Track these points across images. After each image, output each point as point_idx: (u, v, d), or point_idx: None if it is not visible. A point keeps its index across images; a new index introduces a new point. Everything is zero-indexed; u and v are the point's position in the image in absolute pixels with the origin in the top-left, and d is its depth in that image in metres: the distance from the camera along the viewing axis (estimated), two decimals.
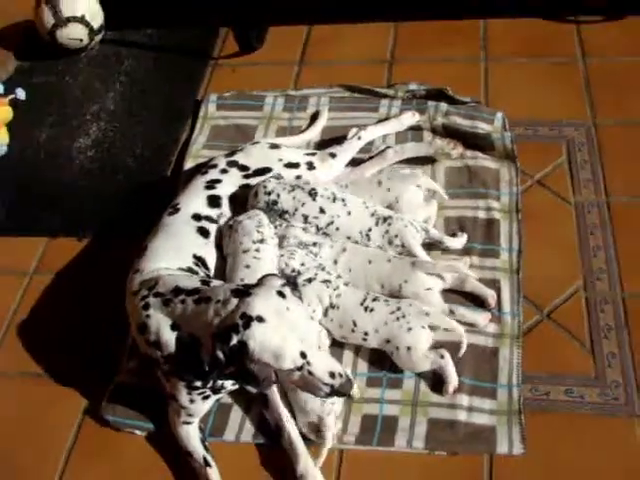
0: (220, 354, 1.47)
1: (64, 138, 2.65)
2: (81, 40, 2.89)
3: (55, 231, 2.34)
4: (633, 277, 1.95)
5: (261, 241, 1.88)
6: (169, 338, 1.63)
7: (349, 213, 2.01)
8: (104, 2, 2.95)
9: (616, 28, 2.64)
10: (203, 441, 1.75)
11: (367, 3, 2.91)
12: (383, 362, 1.85)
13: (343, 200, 2.02)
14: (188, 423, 1.75)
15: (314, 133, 2.44)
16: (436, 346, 1.81)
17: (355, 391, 1.78)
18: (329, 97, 2.58)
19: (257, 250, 1.89)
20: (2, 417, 1.94)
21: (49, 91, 2.86)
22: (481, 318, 1.89)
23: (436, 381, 1.80)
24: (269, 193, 2.02)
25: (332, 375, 1.50)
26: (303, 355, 1.47)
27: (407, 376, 1.83)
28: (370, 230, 1.99)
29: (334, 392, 1.51)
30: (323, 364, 1.50)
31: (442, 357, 1.79)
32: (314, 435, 1.72)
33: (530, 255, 2.03)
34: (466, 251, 2.05)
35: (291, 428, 1.72)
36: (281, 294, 1.51)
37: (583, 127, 2.34)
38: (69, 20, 2.82)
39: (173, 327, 1.63)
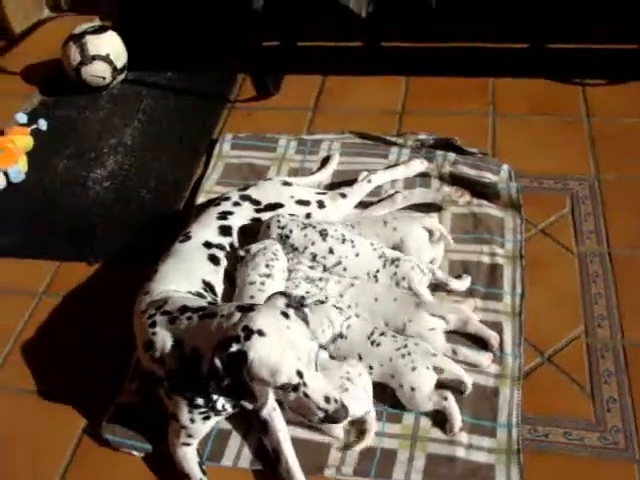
0: (218, 362, 1.49)
1: (81, 169, 2.73)
2: (104, 78, 3.00)
3: (66, 256, 2.38)
4: (633, 325, 1.98)
5: (268, 276, 1.92)
6: (173, 354, 1.65)
7: (357, 255, 2.05)
8: (129, 44, 3.08)
9: (620, 91, 2.74)
10: (201, 464, 1.75)
11: (380, 57, 3.04)
12: (384, 396, 1.85)
13: (352, 241, 2.07)
14: (187, 444, 1.75)
15: (325, 176, 2.51)
16: (439, 385, 1.83)
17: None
18: (340, 142, 2.66)
19: (262, 283, 1.92)
20: (0, 433, 1.94)
21: (70, 124, 2.95)
22: (484, 359, 1.91)
23: (437, 417, 1.81)
24: (282, 227, 2.06)
25: (327, 400, 1.51)
26: (300, 374, 1.49)
27: (407, 411, 1.83)
28: (378, 272, 2.03)
29: (327, 418, 1.52)
30: (319, 387, 1.51)
31: (445, 399, 1.79)
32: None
33: (533, 300, 2.07)
34: (470, 293, 2.09)
35: (289, 454, 1.72)
36: (284, 314, 1.54)
37: (587, 181, 2.40)
38: (94, 58, 2.94)
39: (177, 343, 1.66)
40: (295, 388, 1.51)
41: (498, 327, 1.99)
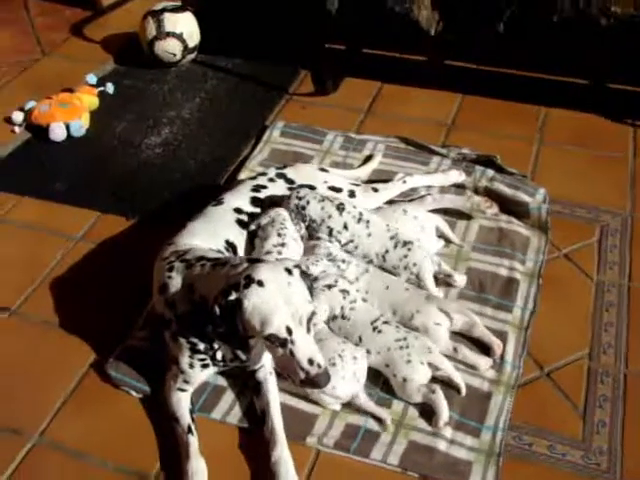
0: (217, 308, 1.57)
1: (137, 133, 2.88)
2: (175, 54, 3.16)
3: (107, 208, 2.52)
4: (639, 358, 1.97)
5: (282, 245, 2.00)
6: (184, 298, 1.74)
7: (369, 235, 2.12)
8: (204, 28, 3.24)
9: None
10: (191, 411, 1.82)
11: (440, 72, 3.12)
12: (378, 381, 1.90)
13: (367, 222, 2.14)
14: (182, 390, 1.83)
15: (364, 172, 2.58)
16: (435, 381, 1.86)
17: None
18: (385, 145, 2.73)
19: (279, 252, 2.00)
20: (15, 354, 2.06)
21: (135, 92, 3.12)
22: (482, 362, 1.93)
23: (425, 409, 1.84)
24: (300, 198, 2.14)
25: (311, 362, 1.56)
26: (289, 331, 1.56)
27: (398, 398, 1.87)
28: (387, 252, 2.09)
29: (308, 380, 1.57)
30: (306, 348, 1.57)
31: (433, 392, 1.83)
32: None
33: (543, 317, 2.08)
34: (482, 301, 2.12)
35: (275, 416, 1.78)
36: (289, 271, 1.61)
37: (620, 216, 2.41)
38: (168, 34, 3.10)
39: (189, 288, 1.74)
40: (283, 344, 1.57)
41: (503, 336, 2.01)
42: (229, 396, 1.90)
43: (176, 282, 1.78)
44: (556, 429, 1.81)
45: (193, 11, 3.23)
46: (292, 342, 1.57)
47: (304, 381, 1.59)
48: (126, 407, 1.91)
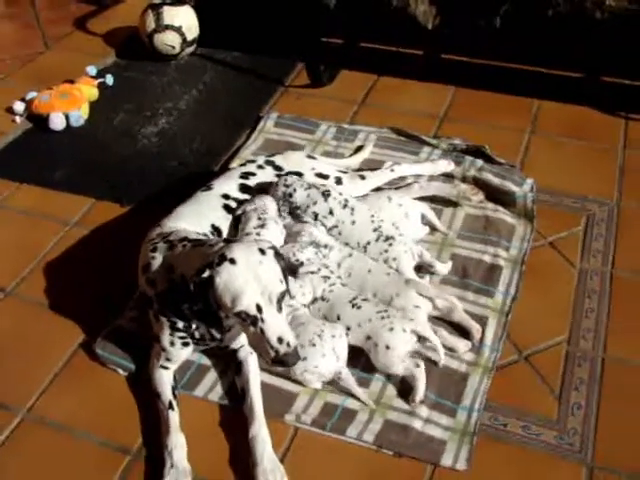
0: (192, 286, 1.62)
1: (135, 123, 2.94)
2: (173, 47, 3.22)
3: (103, 195, 2.57)
4: (617, 343, 1.99)
5: (262, 226, 2.04)
6: (164, 277, 1.78)
7: (353, 222, 2.16)
8: (204, 22, 3.30)
9: None
10: (174, 388, 1.87)
11: (435, 65, 3.15)
12: (357, 361, 1.93)
13: (352, 209, 2.18)
14: (164, 368, 1.88)
15: (354, 161, 2.62)
16: (414, 355, 1.90)
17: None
18: (377, 135, 2.77)
19: (258, 234, 2.04)
20: (6, 333, 2.12)
21: (134, 84, 3.18)
22: (461, 345, 1.97)
23: (403, 389, 1.88)
24: (287, 186, 2.19)
25: (280, 340, 1.60)
26: (259, 309, 1.60)
27: (376, 378, 1.91)
28: (368, 243, 2.13)
29: (277, 358, 1.61)
30: (276, 326, 1.60)
31: (417, 366, 1.86)
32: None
33: (524, 303, 2.11)
34: (464, 286, 2.15)
35: (254, 394, 1.82)
36: (262, 251, 1.65)
37: (607, 206, 2.43)
38: (167, 27, 3.16)
39: (170, 268, 1.78)
40: (254, 322, 1.61)
41: (483, 321, 2.04)
42: (212, 375, 1.95)
43: (158, 262, 1.83)
44: (532, 410, 1.84)
45: (192, 5, 3.29)
46: (262, 320, 1.61)
47: (274, 360, 1.62)
48: (112, 385, 1.96)
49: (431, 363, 1.91)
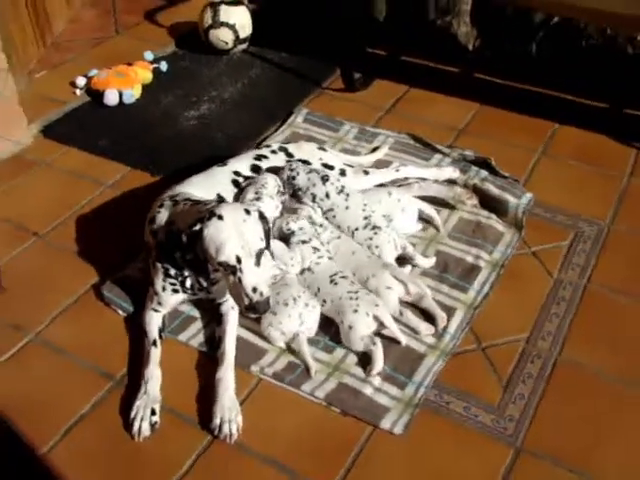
0: (184, 237, 1.87)
1: (179, 106, 3.23)
2: (226, 43, 3.51)
3: (137, 164, 2.87)
4: (573, 347, 2.11)
5: (257, 199, 2.26)
6: (164, 229, 2.04)
7: (347, 208, 2.35)
8: (260, 23, 3.58)
9: None
10: (160, 330, 2.11)
11: (465, 82, 3.33)
12: (328, 330, 2.13)
13: (347, 195, 2.37)
14: (155, 310, 2.12)
15: (367, 160, 2.81)
16: (376, 334, 2.08)
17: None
18: (395, 139, 2.96)
19: (252, 205, 2.25)
20: (33, 269, 2.41)
21: (186, 72, 3.49)
22: (424, 327, 2.13)
23: (363, 359, 2.05)
24: (292, 169, 2.42)
25: (254, 290, 1.83)
26: (238, 260, 1.83)
27: (340, 347, 2.09)
28: (357, 229, 2.32)
29: (251, 306, 1.83)
30: (251, 277, 1.83)
31: (374, 344, 2.04)
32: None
33: (494, 301, 2.25)
34: (441, 279, 2.31)
35: (228, 343, 2.04)
36: (247, 211, 1.88)
37: (597, 226, 2.53)
38: (222, 24, 3.45)
39: (170, 222, 2.04)
40: (233, 271, 1.84)
41: (451, 311, 2.20)
42: (197, 324, 2.18)
43: (162, 216, 2.09)
44: (476, 395, 1.98)
45: (250, 7, 3.58)
46: (240, 270, 1.84)
47: (247, 307, 1.85)
48: (111, 322, 2.22)
49: (394, 342, 2.08)
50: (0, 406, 1.97)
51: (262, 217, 1.93)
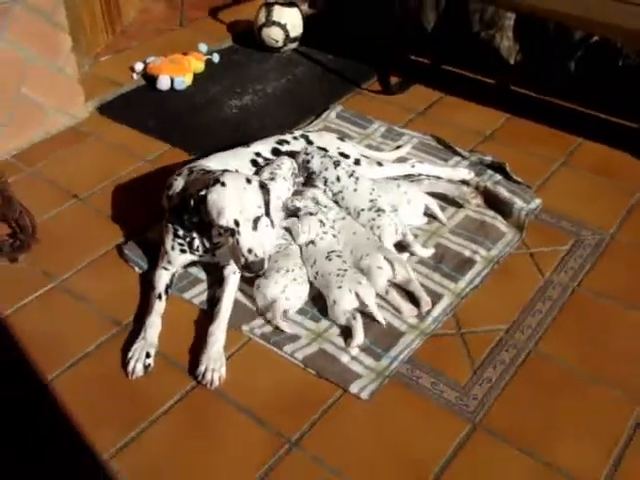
0: (191, 201, 2.08)
1: (225, 96, 3.47)
2: (277, 41, 3.74)
3: (178, 143, 3.12)
4: (549, 342, 2.19)
5: (271, 179, 2.44)
6: (178, 194, 2.25)
7: (355, 190, 2.51)
8: (309, 27, 3.80)
9: None
10: (167, 286, 2.31)
11: (500, 93, 3.44)
12: (317, 302, 2.29)
13: (357, 179, 2.54)
14: (165, 269, 2.33)
15: (389, 157, 2.95)
16: (361, 312, 2.22)
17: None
18: (419, 140, 3.09)
19: None
20: (70, 226, 2.68)
21: (236, 65, 3.73)
22: (407, 309, 2.26)
23: (346, 331, 2.20)
24: (307, 154, 2.60)
25: (250, 251, 2.02)
26: (237, 223, 2.02)
27: (327, 319, 2.25)
28: (362, 210, 2.48)
29: (246, 265, 2.02)
30: (248, 239, 2.03)
31: (354, 318, 2.18)
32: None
33: (482, 292, 2.36)
34: (435, 268, 2.43)
35: (225, 303, 2.22)
36: (248, 180, 2.08)
37: (600, 235, 2.59)
38: (274, 23, 3.68)
39: (184, 189, 2.25)
40: (232, 234, 2.05)
41: (437, 297, 2.32)
42: (202, 286, 2.39)
43: (178, 183, 2.31)
44: (447, 374, 2.10)
45: (305, 11, 3.80)
46: (238, 233, 2.04)
47: (244, 266, 2.05)
48: (128, 277, 2.45)
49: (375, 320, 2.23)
50: (19, 334, 2.23)
51: (262, 187, 2.12)
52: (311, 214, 2.40)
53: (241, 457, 1.90)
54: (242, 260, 2.04)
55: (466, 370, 2.12)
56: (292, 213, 2.43)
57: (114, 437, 1.94)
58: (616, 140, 3.11)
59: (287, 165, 2.53)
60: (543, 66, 3.56)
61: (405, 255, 2.45)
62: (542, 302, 2.33)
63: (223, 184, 2.06)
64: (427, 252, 2.47)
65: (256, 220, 2.07)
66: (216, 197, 2.05)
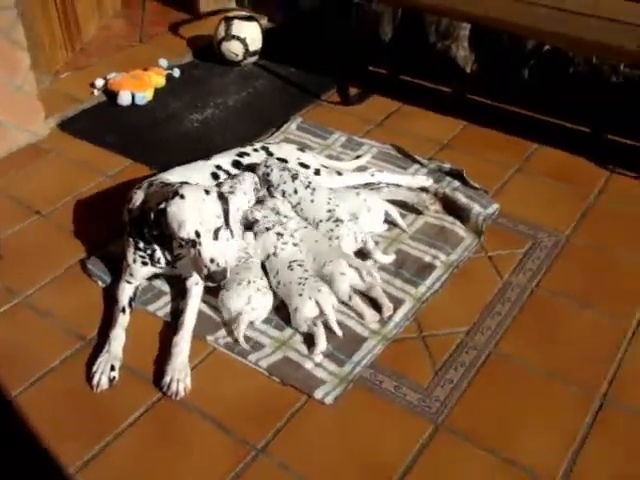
0: (151, 214, 2.09)
1: (186, 110, 3.50)
2: (237, 55, 3.77)
3: (138, 158, 3.13)
4: (509, 343, 2.24)
5: (230, 192, 2.46)
6: (138, 208, 2.26)
7: (312, 201, 2.55)
8: (269, 40, 3.85)
9: None
10: (131, 299, 2.32)
11: (457, 101, 3.52)
12: (280, 311, 2.32)
13: (314, 189, 2.57)
14: (128, 282, 2.34)
15: (348, 166, 2.99)
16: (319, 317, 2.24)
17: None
18: (378, 149, 3.15)
19: None
20: (31, 243, 2.67)
21: (197, 80, 3.76)
22: (369, 314, 2.29)
23: (309, 339, 2.22)
24: (267, 167, 2.63)
25: (212, 261, 2.04)
26: (197, 234, 2.04)
27: (290, 327, 2.27)
28: (321, 221, 2.52)
29: (209, 275, 2.05)
30: (210, 250, 2.05)
31: (315, 325, 2.21)
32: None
33: (443, 296, 2.41)
34: (396, 274, 2.48)
35: (188, 314, 2.24)
36: (207, 192, 2.10)
37: (556, 237, 2.67)
38: (233, 37, 3.72)
39: (144, 202, 2.26)
40: (194, 245, 2.06)
41: (399, 302, 2.36)
42: (166, 298, 2.40)
43: (138, 197, 2.32)
44: (409, 377, 2.13)
45: (263, 25, 3.84)
46: (200, 244, 2.06)
47: (206, 276, 2.07)
48: (91, 292, 2.45)
49: (339, 325, 2.25)
50: None
51: (221, 197, 2.15)
52: (267, 229, 2.43)
53: (207, 466, 1.91)
54: (205, 270, 2.06)
55: (428, 372, 2.16)
56: (250, 225, 2.45)
57: (80, 451, 1.94)
58: (570, 145, 3.20)
59: (249, 180, 2.56)
60: (498, 75, 3.66)
61: (369, 262, 2.49)
62: (501, 304, 2.39)
63: (182, 196, 2.08)
64: (388, 258, 2.52)
65: (217, 230, 2.09)
66: (176, 210, 2.07)
